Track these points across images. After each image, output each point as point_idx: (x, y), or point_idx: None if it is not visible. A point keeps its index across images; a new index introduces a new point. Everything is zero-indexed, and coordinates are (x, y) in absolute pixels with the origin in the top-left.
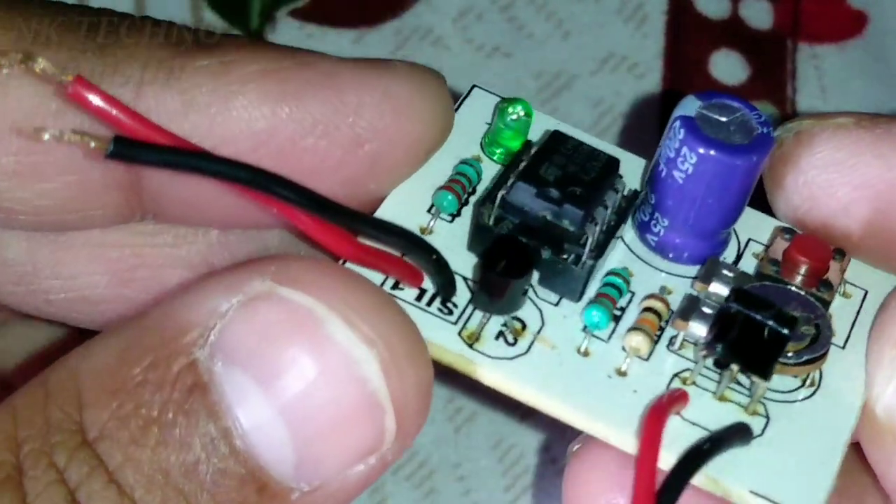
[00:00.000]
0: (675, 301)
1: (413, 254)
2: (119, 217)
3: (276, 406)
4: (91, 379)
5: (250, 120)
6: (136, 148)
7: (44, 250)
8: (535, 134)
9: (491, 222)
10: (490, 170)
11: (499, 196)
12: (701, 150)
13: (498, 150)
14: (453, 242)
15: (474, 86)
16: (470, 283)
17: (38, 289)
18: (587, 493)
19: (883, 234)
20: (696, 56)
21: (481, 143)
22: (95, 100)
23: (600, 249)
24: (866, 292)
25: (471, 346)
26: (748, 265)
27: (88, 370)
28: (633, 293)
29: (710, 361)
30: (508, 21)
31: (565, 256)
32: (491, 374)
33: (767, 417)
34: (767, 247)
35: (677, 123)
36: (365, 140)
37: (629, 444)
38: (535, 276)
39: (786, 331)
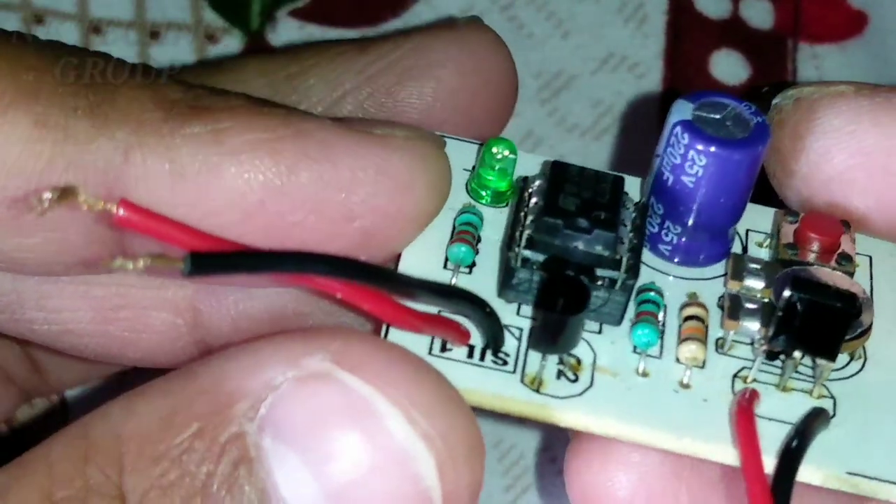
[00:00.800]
0: (706, 303)
1: (460, 308)
2: (102, 268)
3: (324, 491)
4: (134, 441)
5: (240, 192)
6: (210, 260)
7: (29, 282)
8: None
9: (519, 264)
10: (486, 213)
11: (525, 236)
12: (712, 150)
13: (485, 193)
14: (480, 293)
15: (442, 135)
16: (521, 328)
17: (23, 318)
18: (589, 477)
19: (880, 203)
20: (696, 56)
21: (467, 188)
22: (145, 222)
23: (635, 268)
24: (871, 258)
25: (537, 391)
26: (760, 255)
27: (132, 431)
28: (665, 305)
29: (763, 357)
30: (508, 21)
31: (600, 283)
32: (567, 415)
33: (833, 397)
34: (773, 234)
35: (678, 129)
36: (357, 216)
37: (726, 455)
38: None
39: (853, 309)
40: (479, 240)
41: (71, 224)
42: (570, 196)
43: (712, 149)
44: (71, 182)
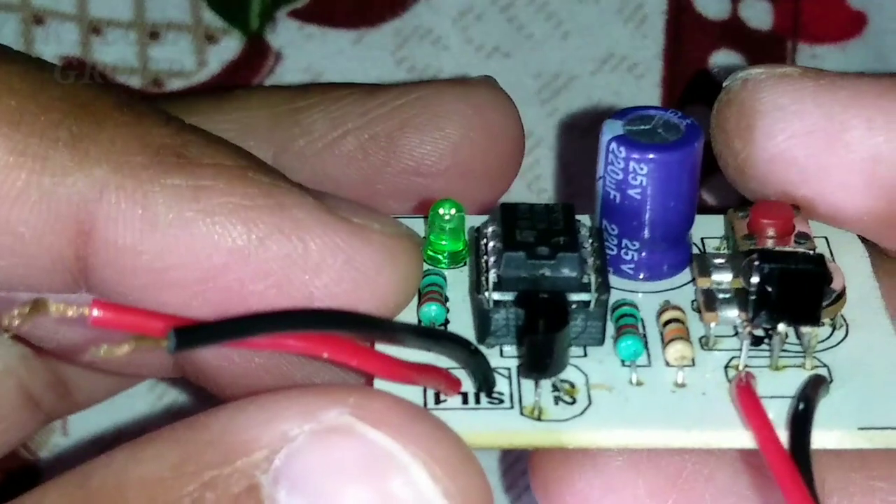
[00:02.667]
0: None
1: (447, 352)
2: (64, 290)
3: None
4: (140, 490)
5: (206, 253)
6: (193, 334)
7: None
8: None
9: (492, 306)
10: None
11: (491, 276)
12: (651, 156)
13: (442, 257)
14: None
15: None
16: (509, 368)
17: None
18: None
19: (820, 185)
20: (695, 56)
21: (425, 259)
22: (120, 318)
23: (605, 284)
24: (827, 238)
25: (539, 419)
26: None
27: (138, 479)
28: (642, 319)
29: (749, 342)
30: (508, 21)
31: (575, 307)
32: (575, 436)
33: (826, 366)
34: (728, 235)
35: (613, 145)
36: (316, 299)
37: (738, 439)
38: None
39: (821, 268)
40: (446, 299)
41: (35, 250)
42: (526, 230)
43: (651, 155)
44: (41, 296)
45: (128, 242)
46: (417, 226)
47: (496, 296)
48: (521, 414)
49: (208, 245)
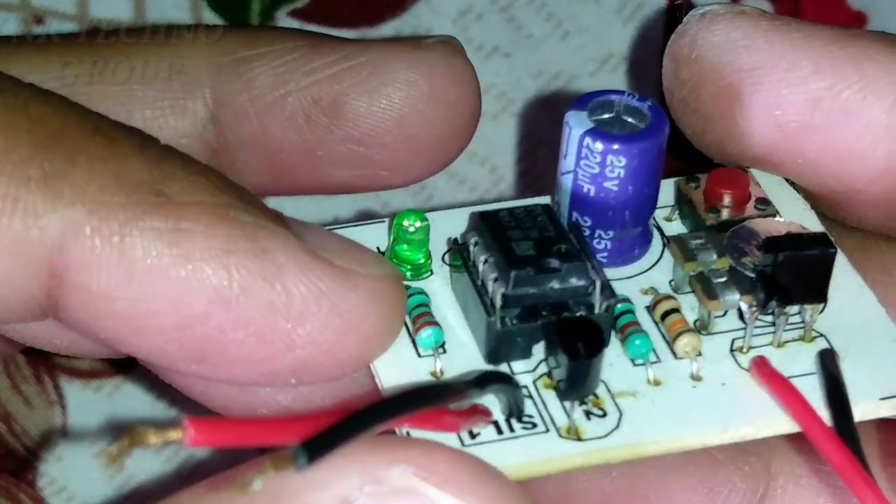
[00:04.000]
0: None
1: (494, 391)
2: (32, 321)
3: None
4: None
5: (186, 301)
6: (321, 443)
7: None
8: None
9: (499, 326)
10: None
11: (497, 297)
12: (628, 148)
13: (407, 267)
14: (467, 366)
15: (346, 225)
16: (525, 385)
17: None
18: None
19: (760, 123)
20: None
21: None
22: (220, 435)
23: (609, 288)
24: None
25: (579, 439)
26: (677, 229)
27: None
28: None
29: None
30: (508, 21)
31: (581, 313)
32: (620, 452)
33: (822, 335)
34: (678, 204)
35: (587, 140)
36: (298, 346)
37: (780, 425)
38: None
39: (831, 249)
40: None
41: (7, 293)
42: (521, 241)
43: (628, 147)
44: (138, 428)
45: (102, 288)
46: (381, 231)
47: (504, 313)
48: (560, 436)
49: (188, 293)
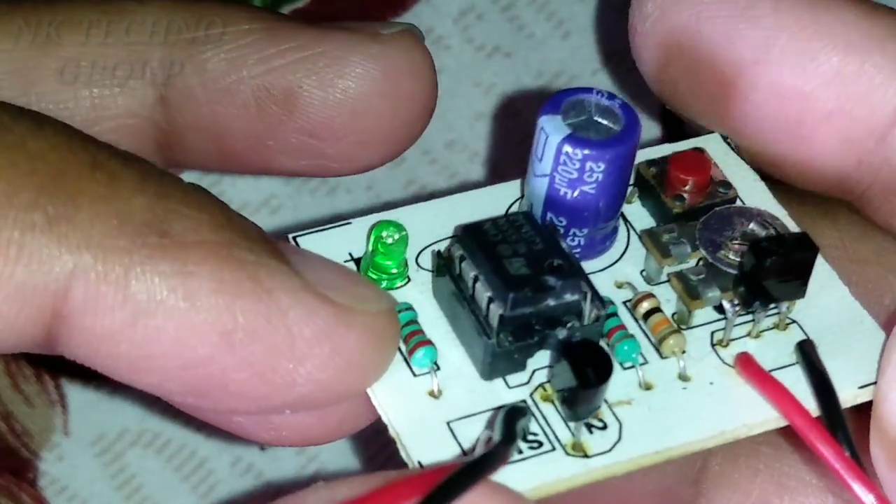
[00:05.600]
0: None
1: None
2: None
3: None
4: None
5: (190, 344)
6: None
7: None
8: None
9: (498, 347)
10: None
11: (494, 319)
12: (607, 155)
13: (383, 277)
14: (464, 384)
15: (294, 237)
16: (524, 400)
17: None
18: None
19: (711, 64)
20: None
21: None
22: None
23: (598, 298)
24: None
25: (586, 455)
26: (637, 210)
27: None
28: (617, 308)
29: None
30: (509, 21)
31: (571, 326)
32: (626, 465)
33: (794, 321)
34: (644, 187)
35: (567, 147)
36: (299, 385)
37: (768, 420)
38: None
39: (812, 251)
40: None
41: (8, 336)
42: (513, 258)
43: (607, 155)
44: None
45: (106, 331)
46: (360, 235)
47: (504, 334)
48: (567, 454)
49: (193, 336)
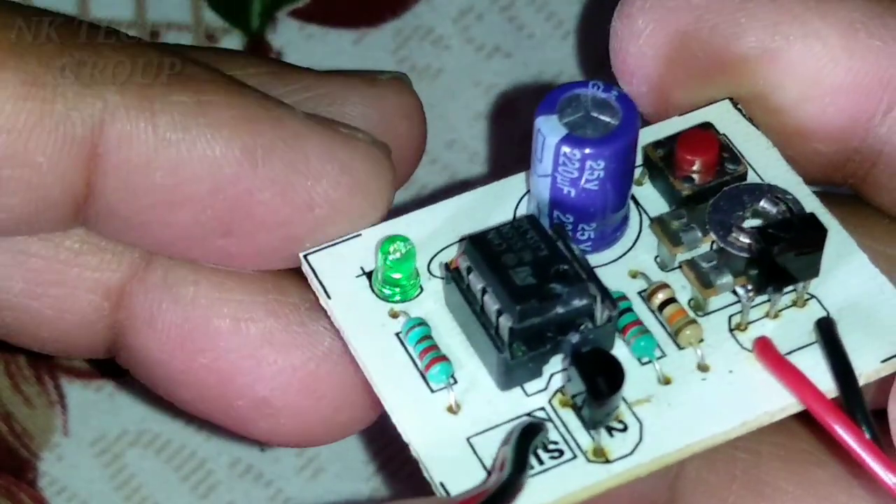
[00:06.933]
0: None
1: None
2: (63, 227)
3: None
4: None
5: (218, 165)
6: None
7: None
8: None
9: (511, 359)
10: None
11: (506, 332)
12: (606, 153)
13: (396, 291)
14: (481, 397)
15: (305, 255)
16: (542, 407)
17: None
18: None
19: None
20: None
21: (374, 291)
22: None
23: (609, 298)
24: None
25: (608, 461)
26: (649, 193)
27: None
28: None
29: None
30: (509, 21)
31: (584, 329)
32: (648, 466)
33: (814, 296)
34: (652, 168)
35: (565, 148)
36: (316, 205)
37: (787, 406)
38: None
39: (821, 231)
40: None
41: (50, 184)
42: (516, 268)
43: (607, 153)
44: None
45: (142, 160)
46: (370, 247)
47: (515, 345)
48: (588, 461)
49: (219, 156)
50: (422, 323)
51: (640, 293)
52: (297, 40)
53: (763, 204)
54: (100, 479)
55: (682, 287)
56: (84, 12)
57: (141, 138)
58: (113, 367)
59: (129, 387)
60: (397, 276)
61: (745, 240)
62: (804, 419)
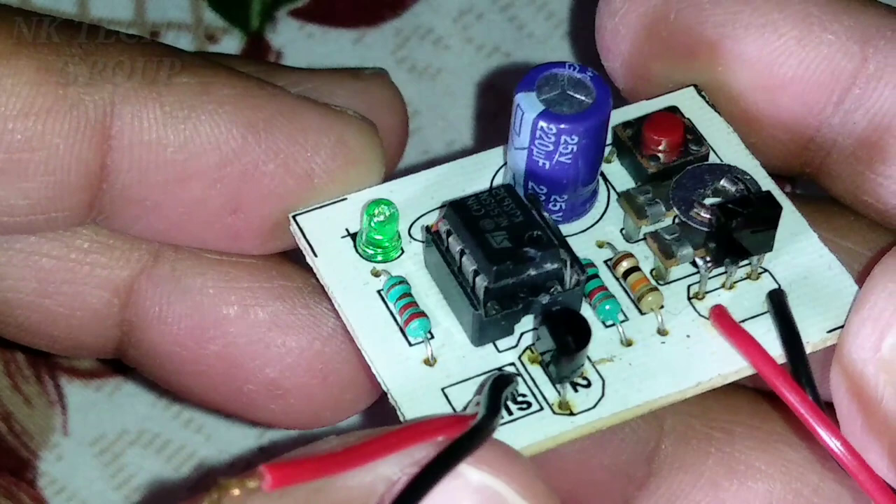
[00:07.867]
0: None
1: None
2: (77, 219)
3: None
4: None
5: (223, 139)
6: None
7: None
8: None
9: (485, 317)
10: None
11: (482, 291)
12: (581, 128)
13: (378, 251)
14: (456, 351)
15: (294, 216)
16: (512, 363)
17: None
18: None
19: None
20: None
21: (358, 251)
22: (295, 475)
23: (578, 263)
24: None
25: (572, 413)
26: (617, 170)
27: None
28: (597, 269)
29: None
30: (509, 21)
31: (554, 291)
32: (609, 420)
33: (767, 270)
34: (621, 147)
35: (542, 123)
36: (316, 175)
37: (740, 369)
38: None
39: (776, 208)
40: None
41: (67, 167)
42: (493, 232)
43: (581, 128)
44: (221, 483)
45: (153, 137)
46: (355, 211)
47: (490, 304)
48: (554, 413)
49: (223, 131)
50: (402, 281)
51: (606, 262)
52: (296, 40)
53: (723, 183)
54: (99, 479)
55: (645, 257)
56: (84, 12)
57: (150, 117)
58: (118, 366)
59: (129, 387)
60: (380, 237)
61: (705, 215)
62: (777, 402)
